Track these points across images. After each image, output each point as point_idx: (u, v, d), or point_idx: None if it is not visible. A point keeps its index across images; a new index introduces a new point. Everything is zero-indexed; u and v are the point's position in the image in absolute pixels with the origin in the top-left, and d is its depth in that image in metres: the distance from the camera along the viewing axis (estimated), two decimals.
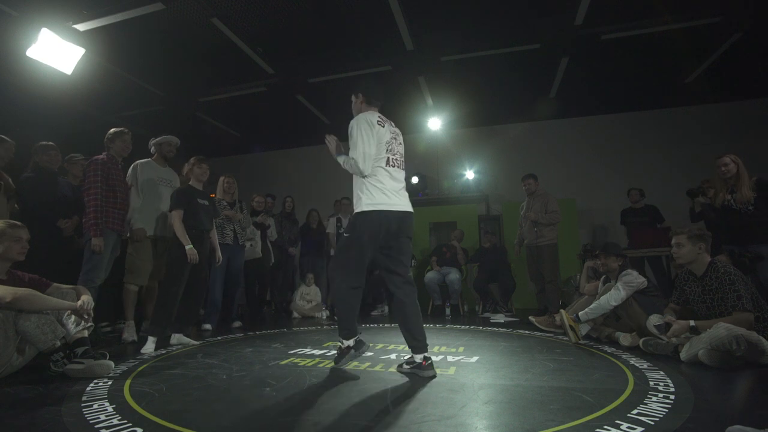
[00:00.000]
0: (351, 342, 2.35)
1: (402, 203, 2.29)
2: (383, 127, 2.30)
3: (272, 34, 4.53)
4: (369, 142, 2.20)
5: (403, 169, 2.38)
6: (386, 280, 2.36)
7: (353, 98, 2.47)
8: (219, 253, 3.54)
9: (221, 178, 4.47)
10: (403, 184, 2.37)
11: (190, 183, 3.38)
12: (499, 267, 5.39)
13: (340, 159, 2.34)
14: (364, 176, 2.22)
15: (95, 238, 3.07)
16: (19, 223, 2.40)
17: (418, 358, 2.22)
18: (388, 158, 2.28)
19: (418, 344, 2.24)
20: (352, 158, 2.20)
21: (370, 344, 2.57)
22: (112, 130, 3.39)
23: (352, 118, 2.33)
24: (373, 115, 2.31)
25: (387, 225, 2.22)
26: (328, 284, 5.86)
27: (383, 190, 2.23)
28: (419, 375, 2.18)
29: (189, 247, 3.07)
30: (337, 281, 2.31)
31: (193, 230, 3.19)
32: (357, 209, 2.26)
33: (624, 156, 6.53)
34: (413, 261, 5.84)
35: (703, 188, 3.71)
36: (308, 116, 6.63)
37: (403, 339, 2.29)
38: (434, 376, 2.16)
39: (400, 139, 2.43)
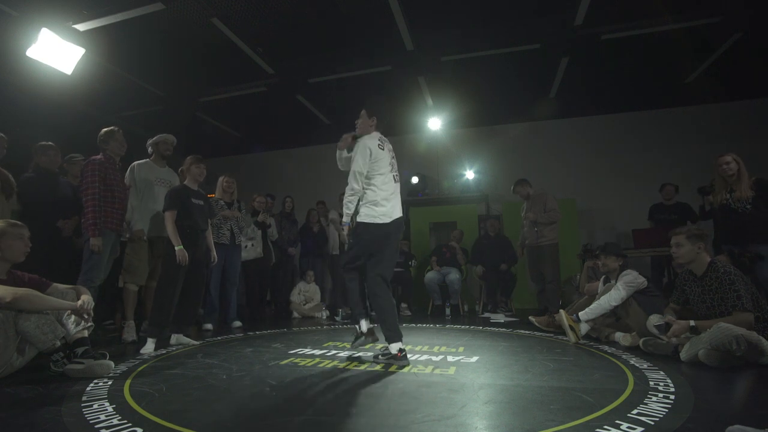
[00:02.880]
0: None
1: (399, 211, 2.63)
2: (383, 149, 2.60)
3: (272, 34, 4.53)
4: (365, 164, 2.51)
5: (399, 181, 2.72)
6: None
7: (365, 115, 2.67)
8: (214, 253, 3.54)
9: (221, 178, 4.46)
10: (398, 194, 2.70)
11: (185, 183, 3.36)
12: (502, 261, 5.35)
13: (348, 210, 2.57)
14: (355, 192, 2.51)
15: (94, 238, 3.07)
16: (19, 222, 2.40)
17: (364, 324, 2.57)
18: (393, 176, 2.64)
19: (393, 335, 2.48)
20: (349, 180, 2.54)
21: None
22: (103, 130, 3.36)
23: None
24: (374, 140, 2.59)
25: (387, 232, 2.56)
26: (332, 284, 5.88)
27: (384, 202, 2.55)
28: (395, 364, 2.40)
29: (179, 248, 3.07)
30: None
31: (187, 230, 3.18)
32: (360, 219, 2.53)
33: (624, 156, 6.53)
34: (413, 261, 5.84)
35: (714, 185, 3.67)
36: (308, 116, 6.63)
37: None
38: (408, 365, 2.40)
39: (395, 158, 2.74)
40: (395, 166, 2.70)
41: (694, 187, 4.40)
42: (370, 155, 2.52)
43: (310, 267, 5.58)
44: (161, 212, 3.50)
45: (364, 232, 2.53)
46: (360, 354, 2.74)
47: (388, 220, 2.53)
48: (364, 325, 2.60)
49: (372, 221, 2.51)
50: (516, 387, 1.95)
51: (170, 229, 3.10)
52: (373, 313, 2.63)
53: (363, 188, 2.53)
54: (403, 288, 5.72)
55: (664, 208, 5.24)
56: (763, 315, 2.41)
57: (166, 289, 3.09)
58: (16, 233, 2.29)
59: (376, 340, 2.65)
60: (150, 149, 3.74)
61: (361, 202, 2.55)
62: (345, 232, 2.63)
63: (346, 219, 2.57)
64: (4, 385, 2.03)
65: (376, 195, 2.52)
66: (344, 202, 2.55)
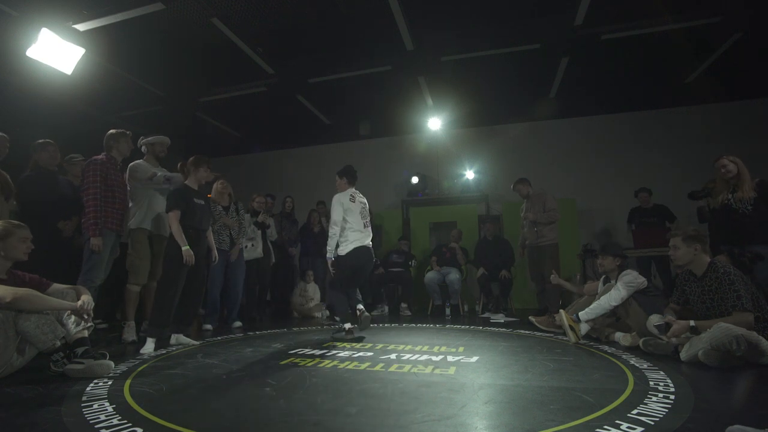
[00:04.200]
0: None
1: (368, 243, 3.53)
2: (354, 201, 3.51)
3: (272, 34, 4.53)
4: (338, 214, 3.44)
5: (369, 225, 3.60)
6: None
7: (338, 178, 3.61)
8: (215, 252, 3.54)
9: (215, 184, 4.39)
10: (371, 235, 3.61)
11: (186, 182, 3.32)
12: (501, 264, 5.34)
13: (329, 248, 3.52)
14: (332, 236, 3.46)
15: (94, 238, 3.07)
16: (22, 223, 2.40)
17: (347, 325, 3.33)
18: (364, 222, 3.50)
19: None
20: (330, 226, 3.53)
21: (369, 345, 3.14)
22: (112, 131, 3.36)
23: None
24: (346, 195, 3.51)
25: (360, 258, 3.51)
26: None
27: (355, 240, 3.47)
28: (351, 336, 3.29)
29: (185, 248, 3.04)
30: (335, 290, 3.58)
31: (190, 230, 3.16)
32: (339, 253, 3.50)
33: (624, 156, 6.52)
34: (413, 261, 5.84)
35: (708, 189, 3.67)
36: (308, 116, 6.63)
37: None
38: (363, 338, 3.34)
39: (366, 204, 3.63)
40: (366, 214, 3.55)
41: (695, 188, 4.40)
42: (342, 207, 3.44)
43: (310, 267, 5.58)
44: (159, 212, 3.51)
45: (341, 261, 3.47)
46: (361, 353, 2.75)
47: (350, 248, 3.43)
48: (348, 326, 3.36)
49: (341, 254, 3.45)
50: (516, 387, 1.95)
51: (175, 229, 3.07)
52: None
53: (341, 233, 3.46)
54: (403, 288, 5.71)
55: (643, 212, 5.38)
56: (763, 315, 2.41)
57: (167, 289, 3.09)
58: (21, 235, 2.31)
59: (360, 339, 3.30)
60: (144, 148, 3.70)
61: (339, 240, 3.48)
62: (329, 264, 3.54)
63: (329, 255, 3.48)
64: (4, 385, 2.03)
65: (346, 238, 3.45)
66: (327, 244, 3.49)
